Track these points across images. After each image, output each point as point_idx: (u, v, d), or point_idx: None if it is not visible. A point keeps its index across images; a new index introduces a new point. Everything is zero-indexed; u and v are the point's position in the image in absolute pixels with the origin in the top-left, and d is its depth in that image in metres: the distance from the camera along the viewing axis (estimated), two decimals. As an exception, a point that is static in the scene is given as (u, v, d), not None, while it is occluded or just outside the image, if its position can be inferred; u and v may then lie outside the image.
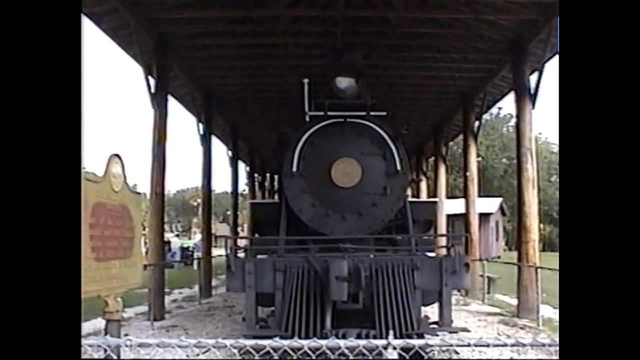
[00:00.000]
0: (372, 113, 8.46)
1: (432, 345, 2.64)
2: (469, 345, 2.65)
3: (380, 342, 2.59)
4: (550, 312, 12.18)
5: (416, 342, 2.68)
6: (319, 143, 8.46)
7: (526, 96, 12.15)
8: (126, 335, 10.03)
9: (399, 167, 8.43)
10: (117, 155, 4.99)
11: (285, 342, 2.59)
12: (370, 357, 2.64)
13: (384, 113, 8.58)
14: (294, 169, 8.43)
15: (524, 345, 2.78)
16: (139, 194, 5.61)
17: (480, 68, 14.79)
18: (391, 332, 2.69)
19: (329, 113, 8.40)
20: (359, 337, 6.96)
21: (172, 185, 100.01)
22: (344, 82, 8.40)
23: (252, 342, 2.76)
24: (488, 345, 2.69)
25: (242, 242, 10.55)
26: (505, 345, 2.74)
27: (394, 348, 2.58)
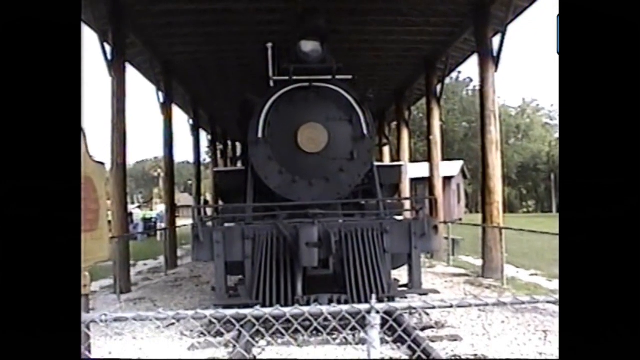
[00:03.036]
0: (337, 77, 8.35)
1: (415, 308, 2.61)
2: (451, 306, 2.63)
3: (363, 307, 2.55)
4: (513, 272, 12.47)
5: (399, 305, 2.65)
6: (284, 109, 8.33)
7: (489, 59, 12.18)
8: (92, 309, 9.87)
9: (365, 132, 8.38)
10: (78, 124, 4.79)
11: (267, 310, 2.52)
12: (354, 321, 2.60)
13: (349, 77, 8.48)
14: (260, 135, 8.30)
15: (504, 304, 2.78)
16: (102, 164, 5.41)
17: (442, 31, 14.69)
18: (374, 296, 2.64)
19: (294, 78, 8.25)
20: (330, 302, 6.99)
21: (132, 156, 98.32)
22: (308, 46, 8.24)
23: (232, 311, 2.69)
24: (470, 306, 2.68)
25: (208, 212, 10.42)
26: (486, 304, 2.73)
27: (377, 312, 2.54)
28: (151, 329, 8.09)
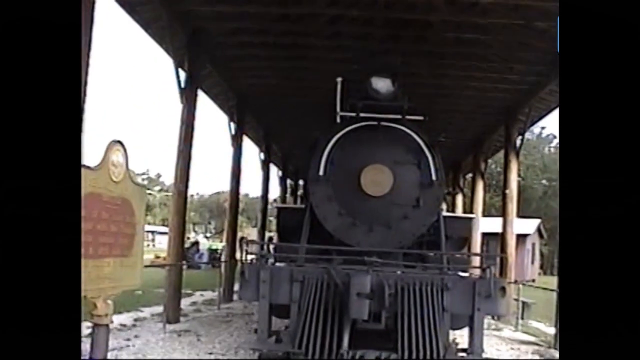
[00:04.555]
0: (408, 117, 7.86)
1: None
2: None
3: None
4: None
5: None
6: (349, 147, 7.90)
7: (576, 112, 11.34)
8: (136, 337, 9.62)
9: (434, 178, 7.81)
10: (119, 142, 4.50)
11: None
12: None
13: (420, 118, 7.97)
14: (321, 173, 7.89)
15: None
16: (143, 186, 5.13)
17: (526, 80, 13.97)
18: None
19: (362, 115, 7.83)
20: (378, 360, 6.35)
21: (210, 186, 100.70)
22: (379, 83, 7.82)
23: None
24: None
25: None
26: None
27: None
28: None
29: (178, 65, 11.79)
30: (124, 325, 10.87)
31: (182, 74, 11.91)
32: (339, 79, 8.23)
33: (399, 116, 7.83)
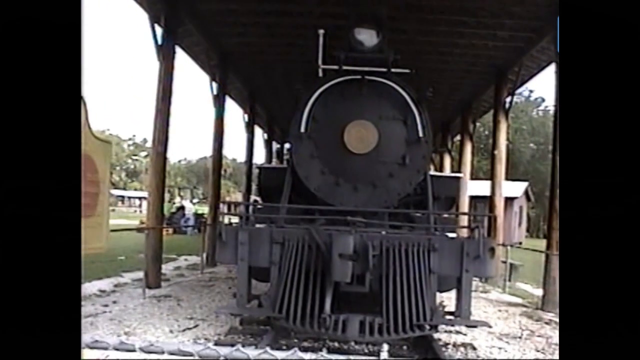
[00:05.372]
0: (393, 70, 7.44)
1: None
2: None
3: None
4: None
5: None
6: (332, 102, 7.51)
7: (568, 69, 10.95)
8: (114, 302, 9.32)
9: (420, 135, 7.45)
10: (76, 92, 4.08)
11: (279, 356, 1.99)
12: None
13: (407, 71, 7.55)
14: (302, 130, 7.51)
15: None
16: (107, 142, 4.71)
17: (517, 37, 13.46)
18: (385, 346, 1.77)
19: (345, 68, 7.40)
20: (362, 324, 6.09)
21: (197, 152, 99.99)
22: (363, 33, 7.38)
23: (227, 350, 2.25)
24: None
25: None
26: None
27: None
28: (164, 331, 7.43)
29: (154, 20, 11.22)
30: (103, 291, 10.58)
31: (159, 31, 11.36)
32: (321, 31, 7.77)
33: (384, 69, 7.42)
